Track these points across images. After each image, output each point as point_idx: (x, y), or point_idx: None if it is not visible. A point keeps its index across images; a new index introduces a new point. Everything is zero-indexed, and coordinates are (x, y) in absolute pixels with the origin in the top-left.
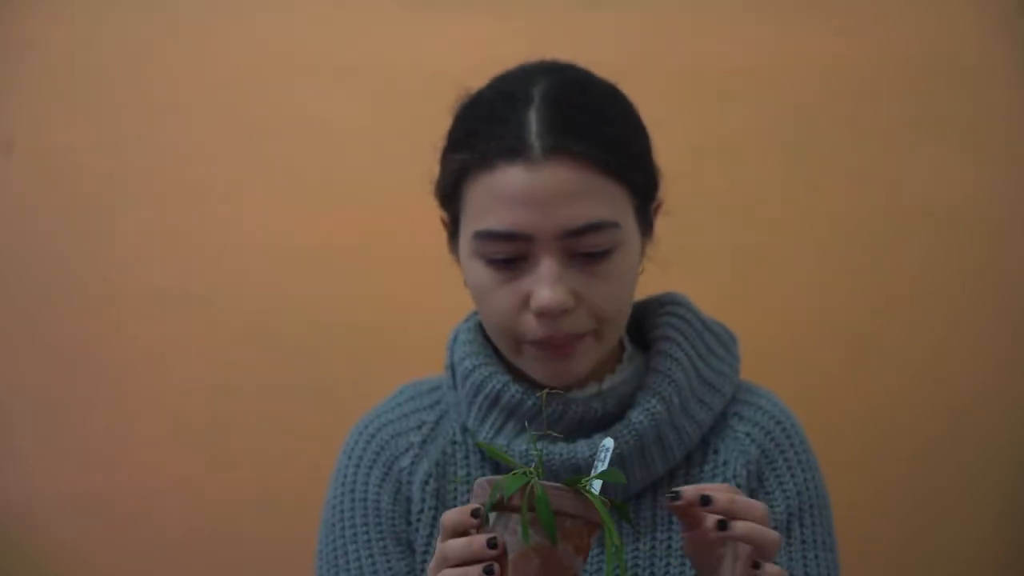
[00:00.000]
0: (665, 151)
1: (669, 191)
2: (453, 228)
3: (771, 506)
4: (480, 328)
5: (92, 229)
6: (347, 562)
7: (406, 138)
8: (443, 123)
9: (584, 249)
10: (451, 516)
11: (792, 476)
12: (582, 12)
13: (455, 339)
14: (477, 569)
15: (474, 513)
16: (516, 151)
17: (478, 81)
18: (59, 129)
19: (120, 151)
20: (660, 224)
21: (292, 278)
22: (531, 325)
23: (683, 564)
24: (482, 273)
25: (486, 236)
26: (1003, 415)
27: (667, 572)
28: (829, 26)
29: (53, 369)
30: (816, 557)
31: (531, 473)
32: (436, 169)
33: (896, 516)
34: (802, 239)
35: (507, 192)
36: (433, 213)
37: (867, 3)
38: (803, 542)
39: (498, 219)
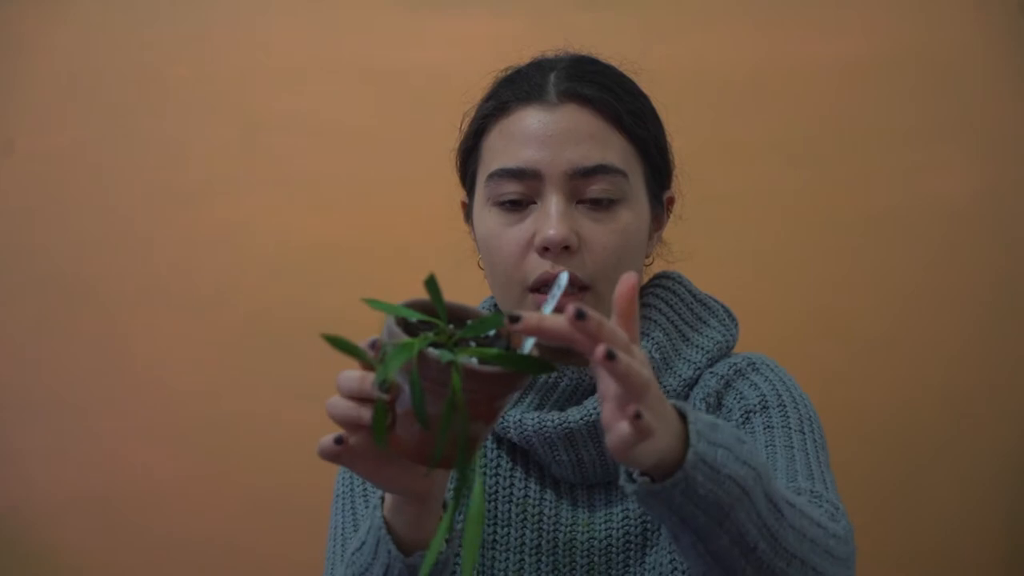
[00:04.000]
0: None
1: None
2: (470, 193)
3: (727, 418)
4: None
5: (91, 229)
6: (364, 491)
7: (406, 138)
8: (443, 122)
9: (591, 193)
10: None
11: (755, 388)
12: (582, 12)
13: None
14: (367, 410)
15: (372, 345)
16: (533, 96)
17: (478, 81)
18: (59, 129)
19: (120, 151)
20: (669, 224)
21: (292, 278)
22: (535, 264)
23: None
24: (492, 219)
25: (498, 175)
26: (1008, 412)
27: (658, 532)
28: (829, 27)
29: (52, 369)
30: (790, 441)
31: (416, 343)
32: (443, 165)
33: (897, 515)
34: (804, 239)
35: (520, 132)
36: (433, 212)
37: (867, 4)
38: (769, 427)
39: (510, 157)
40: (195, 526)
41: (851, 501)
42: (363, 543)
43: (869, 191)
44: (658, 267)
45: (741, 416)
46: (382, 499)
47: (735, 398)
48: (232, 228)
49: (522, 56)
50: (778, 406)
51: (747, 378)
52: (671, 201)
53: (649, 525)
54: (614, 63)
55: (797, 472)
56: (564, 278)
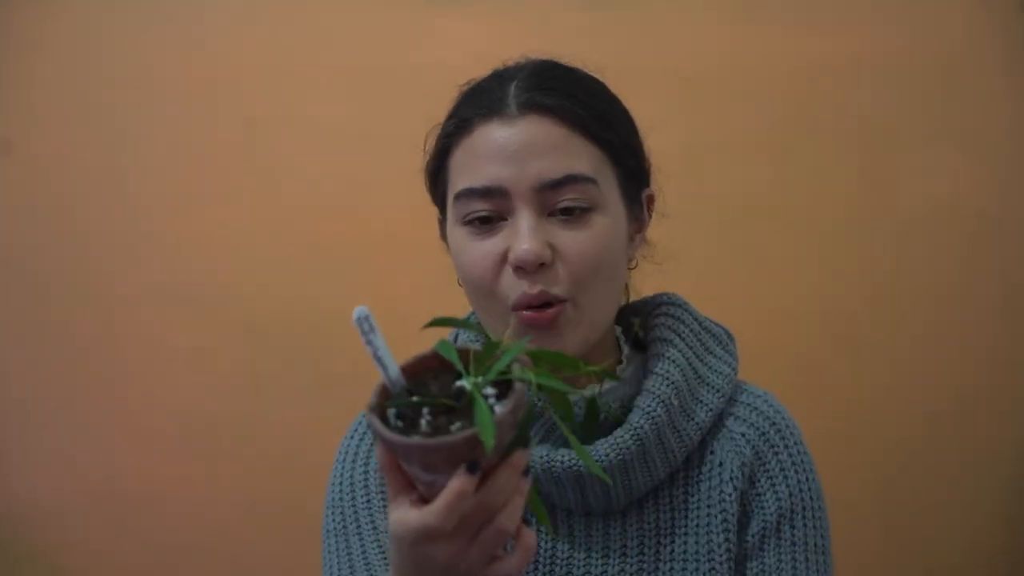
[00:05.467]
0: (661, 150)
1: (664, 190)
2: (442, 212)
3: (761, 508)
4: (480, 326)
5: (91, 229)
6: (358, 527)
7: (405, 138)
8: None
9: (561, 204)
10: (454, 501)
11: (785, 477)
12: (582, 12)
13: (455, 339)
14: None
15: (471, 468)
16: (493, 111)
17: None
18: (58, 129)
19: (120, 151)
20: (655, 223)
21: (292, 278)
22: (511, 283)
23: (684, 570)
24: (463, 238)
25: (465, 195)
26: (1006, 413)
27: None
28: (828, 27)
29: (52, 369)
30: (807, 559)
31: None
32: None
33: (897, 515)
34: (797, 238)
35: (483, 149)
36: (433, 212)
37: (866, 3)
38: (793, 544)
39: (475, 176)
40: (194, 527)
41: (851, 501)
42: None
43: (869, 191)
44: (644, 269)
45: (776, 516)
46: None
47: (768, 483)
48: (231, 228)
49: (520, 55)
50: (801, 512)
51: (777, 456)
52: (651, 199)
53: (646, 564)
54: (595, 70)
55: None
56: (361, 311)
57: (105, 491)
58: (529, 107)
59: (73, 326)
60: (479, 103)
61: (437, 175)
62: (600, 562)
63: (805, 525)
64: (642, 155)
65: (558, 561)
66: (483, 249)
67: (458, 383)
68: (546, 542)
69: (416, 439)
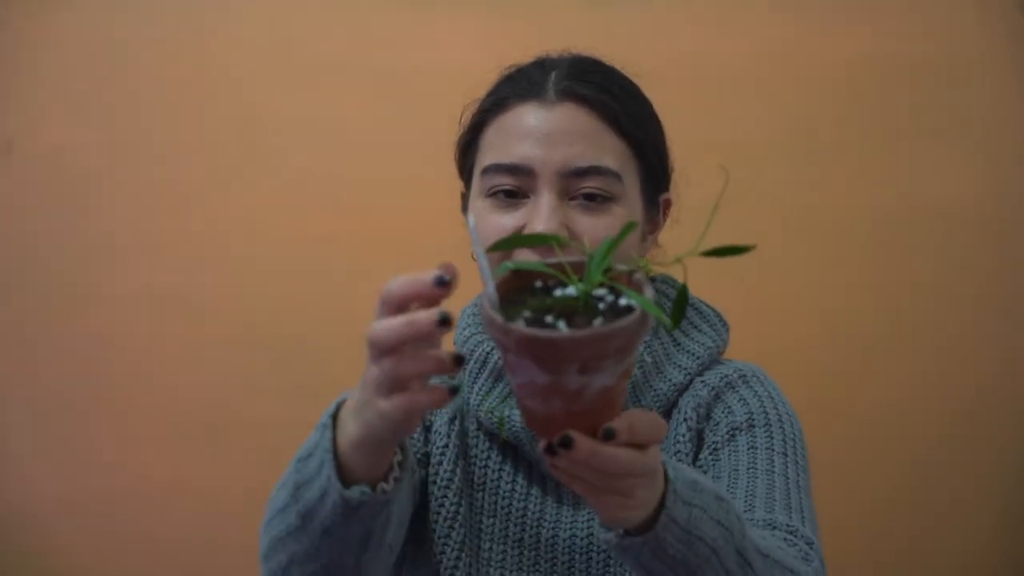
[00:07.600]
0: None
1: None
2: (467, 186)
3: (713, 432)
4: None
5: (91, 229)
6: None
7: (406, 138)
8: (443, 122)
9: (584, 190)
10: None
11: (744, 404)
12: (582, 12)
13: (461, 315)
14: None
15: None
16: (532, 93)
17: (478, 81)
18: (59, 129)
19: (119, 151)
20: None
21: (292, 279)
22: (524, 256)
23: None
24: (484, 210)
25: (492, 169)
26: (1008, 414)
27: None
28: (830, 27)
29: (52, 369)
30: (771, 461)
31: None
32: (443, 164)
33: (901, 515)
34: (804, 240)
35: (517, 127)
36: (434, 211)
37: (868, 4)
38: (751, 448)
39: (505, 152)
40: (194, 528)
41: (850, 501)
42: (310, 455)
43: (869, 192)
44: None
45: (727, 432)
46: (333, 420)
47: (723, 411)
48: (232, 228)
49: (522, 56)
50: (764, 425)
51: (737, 391)
52: (667, 204)
53: None
54: (617, 65)
55: (775, 502)
56: (470, 220)
57: (105, 491)
58: (566, 95)
59: (73, 326)
60: (519, 85)
61: (468, 148)
62: (586, 524)
63: (770, 436)
64: (665, 158)
65: (545, 522)
66: (501, 222)
67: (559, 292)
68: (535, 503)
69: (596, 329)
